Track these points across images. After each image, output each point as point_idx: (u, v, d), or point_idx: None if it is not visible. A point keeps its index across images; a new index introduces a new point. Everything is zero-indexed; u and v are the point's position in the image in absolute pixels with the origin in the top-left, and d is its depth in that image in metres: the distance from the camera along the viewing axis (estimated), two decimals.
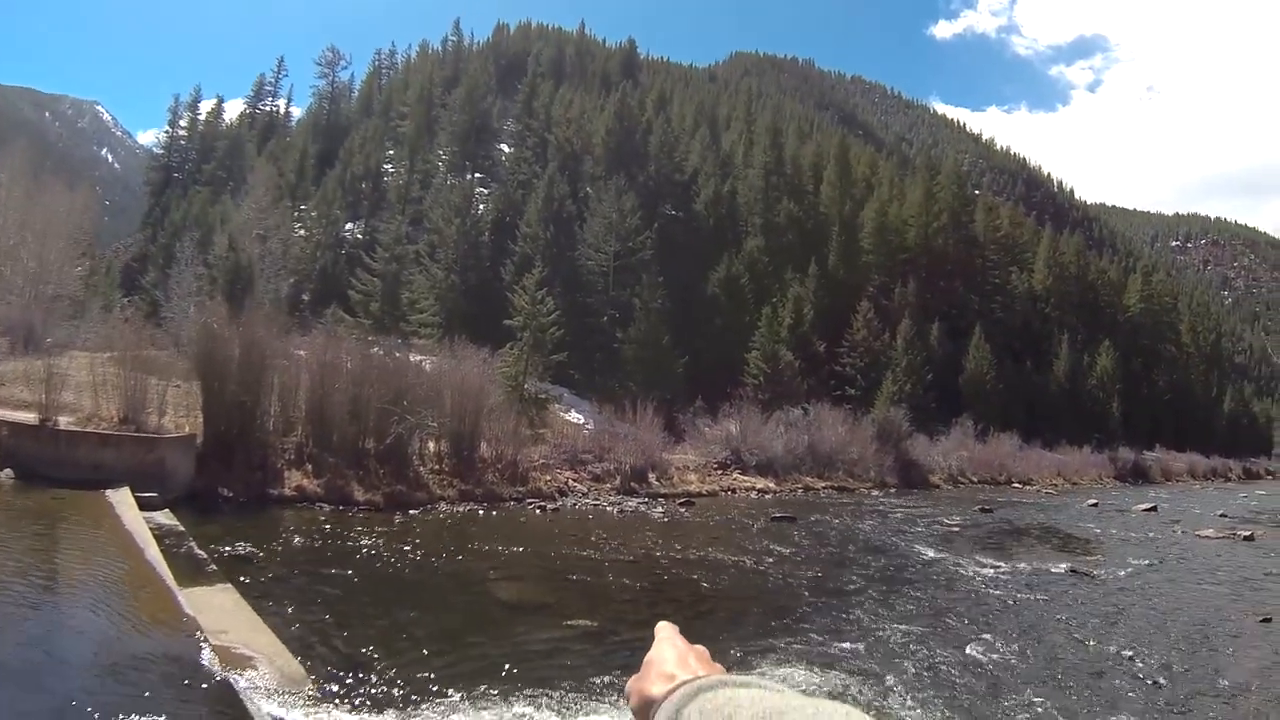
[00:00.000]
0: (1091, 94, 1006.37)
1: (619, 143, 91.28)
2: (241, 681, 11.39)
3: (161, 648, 12.47)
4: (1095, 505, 50.49)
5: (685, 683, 1.34)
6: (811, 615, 19.14)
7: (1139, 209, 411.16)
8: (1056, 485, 64.70)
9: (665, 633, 1.60)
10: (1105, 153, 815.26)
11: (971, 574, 25.71)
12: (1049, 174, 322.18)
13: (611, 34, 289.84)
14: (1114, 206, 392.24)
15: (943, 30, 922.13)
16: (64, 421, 27.17)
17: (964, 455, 61.27)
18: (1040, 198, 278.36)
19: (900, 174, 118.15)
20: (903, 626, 18.34)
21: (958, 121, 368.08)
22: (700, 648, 1.53)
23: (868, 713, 1.00)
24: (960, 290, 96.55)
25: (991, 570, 26.45)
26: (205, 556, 18.72)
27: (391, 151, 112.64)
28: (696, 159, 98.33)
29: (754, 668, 14.74)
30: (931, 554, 29.04)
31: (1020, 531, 37.64)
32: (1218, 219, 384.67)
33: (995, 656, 16.52)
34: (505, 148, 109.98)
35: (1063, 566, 27.77)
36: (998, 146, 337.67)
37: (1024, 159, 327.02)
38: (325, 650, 14.06)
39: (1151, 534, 39.00)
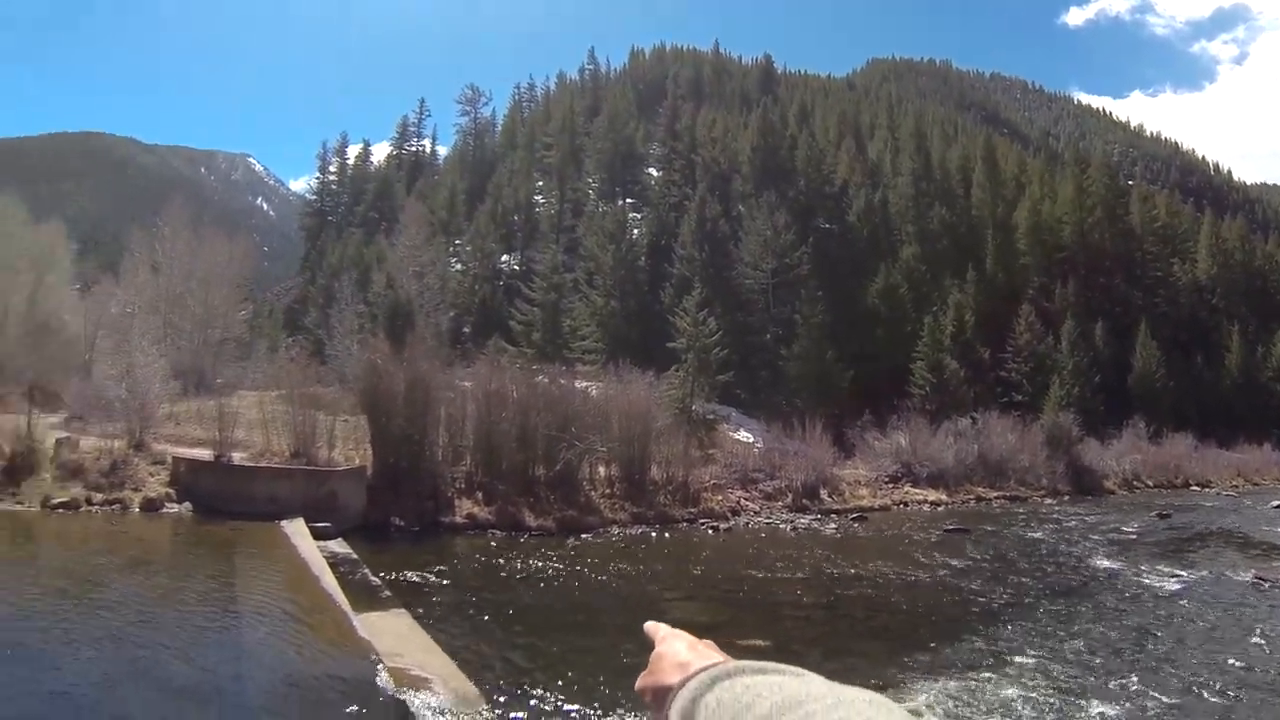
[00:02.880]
0: (1239, 67, 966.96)
1: (765, 159, 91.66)
2: (416, 702, 12.30)
3: (339, 670, 13.56)
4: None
5: (701, 670, 1.37)
6: (985, 630, 19.35)
7: None
8: (1237, 486, 62.72)
9: (665, 630, 1.66)
10: (1261, 128, 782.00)
11: (1150, 584, 25.46)
12: (1203, 156, 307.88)
13: (746, 50, 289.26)
14: (1277, 185, 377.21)
15: (1075, 18, 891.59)
16: (238, 457, 29.17)
17: (1137, 458, 59.95)
18: (1196, 182, 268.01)
19: (1049, 170, 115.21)
20: (1079, 642, 18.42)
21: (1102, 110, 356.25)
22: (709, 640, 1.58)
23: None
24: (1121, 286, 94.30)
25: (1171, 580, 26.13)
26: (379, 583, 19.86)
27: (540, 183, 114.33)
28: (844, 170, 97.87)
29: (925, 684, 15.16)
30: (1108, 564, 28.85)
31: (1200, 537, 37.02)
32: None
33: (1177, 673, 16.46)
34: (653, 171, 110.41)
35: (1247, 574, 27.22)
36: (1146, 132, 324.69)
37: (1175, 143, 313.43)
38: (499, 671, 14.78)
39: None
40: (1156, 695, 14.91)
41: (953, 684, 15.07)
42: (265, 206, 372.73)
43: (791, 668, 1.25)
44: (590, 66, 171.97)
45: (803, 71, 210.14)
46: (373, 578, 20.31)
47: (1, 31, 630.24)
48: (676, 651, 1.52)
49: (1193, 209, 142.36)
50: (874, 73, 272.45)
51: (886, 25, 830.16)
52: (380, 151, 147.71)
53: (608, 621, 18.80)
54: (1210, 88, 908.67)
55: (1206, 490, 59.27)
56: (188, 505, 25.93)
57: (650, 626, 1.67)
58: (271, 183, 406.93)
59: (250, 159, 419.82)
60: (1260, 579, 26.50)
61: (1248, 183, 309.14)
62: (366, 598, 17.96)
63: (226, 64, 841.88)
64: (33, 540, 22.92)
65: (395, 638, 14.93)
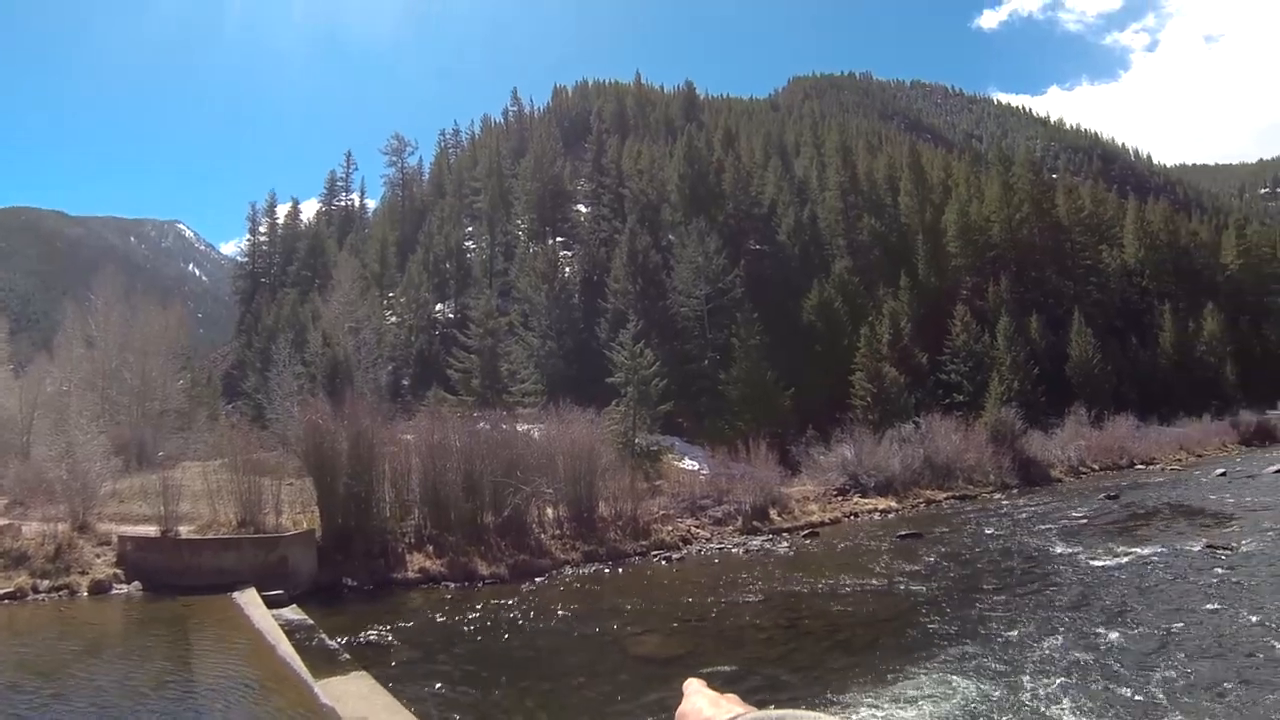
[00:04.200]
0: (1151, 54, 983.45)
1: (693, 186, 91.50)
2: None
3: None
4: (1224, 475, 50.10)
5: None
6: (948, 630, 19.67)
7: (1221, 163, 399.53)
8: (1180, 460, 63.74)
9: (694, 686, 1.68)
10: (1177, 111, 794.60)
11: (1105, 564, 26.06)
12: (1123, 144, 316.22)
13: (668, 79, 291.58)
14: (1195, 165, 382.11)
15: (988, 20, 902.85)
16: (184, 531, 28.64)
17: (1081, 444, 60.59)
18: (1119, 170, 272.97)
19: (975, 171, 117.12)
20: (1043, 630, 18.81)
21: (1022, 108, 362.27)
22: (732, 695, 1.62)
23: None
24: (1053, 278, 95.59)
25: (1126, 558, 26.80)
26: (337, 647, 19.70)
27: (470, 228, 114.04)
28: (772, 190, 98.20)
29: (892, 692, 15.31)
30: (1062, 549, 29.36)
31: (1150, 513, 37.61)
32: None
33: (1140, 647, 16.93)
34: (582, 208, 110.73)
35: (1199, 544, 27.90)
36: (1067, 126, 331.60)
37: (1095, 134, 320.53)
38: None
39: None
40: (1121, 675, 15.36)
41: (921, 688, 15.36)
42: (198, 272, 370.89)
43: (813, 714, 1.30)
44: (514, 107, 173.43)
45: (725, 95, 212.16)
46: (330, 642, 20.15)
47: None
48: (699, 709, 1.56)
49: (1117, 196, 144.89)
50: (796, 91, 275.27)
51: (806, 43, 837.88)
52: (310, 209, 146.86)
53: (569, 663, 18.88)
54: (1125, 76, 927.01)
55: (1151, 467, 60.42)
56: (137, 584, 25.41)
57: (686, 684, 1.70)
58: (203, 248, 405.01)
59: (180, 225, 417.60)
60: (1212, 546, 27.17)
61: (1168, 165, 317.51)
62: (325, 663, 17.83)
63: (151, 131, 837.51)
64: None
65: (358, 701, 14.89)
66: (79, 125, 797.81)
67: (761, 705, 1.44)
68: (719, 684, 1.60)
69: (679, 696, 1.60)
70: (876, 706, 14.53)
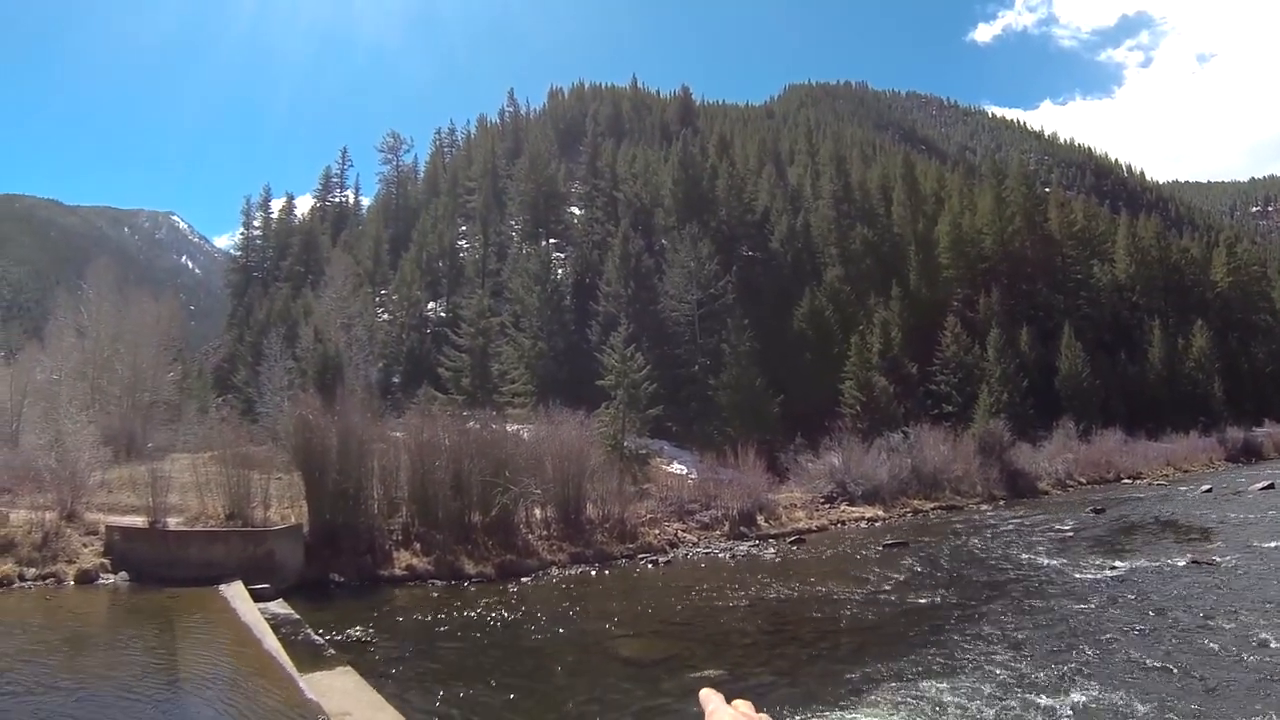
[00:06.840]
0: (1145, 71, 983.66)
1: (687, 191, 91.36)
2: None
3: None
4: (1209, 491, 50.09)
5: None
6: (933, 641, 19.54)
7: (1213, 180, 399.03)
8: (1167, 475, 63.75)
9: (714, 701, 1.69)
10: (1170, 128, 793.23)
11: (1091, 578, 25.96)
12: (1116, 160, 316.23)
13: (664, 84, 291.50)
14: (1187, 182, 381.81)
15: (983, 34, 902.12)
16: (172, 522, 28.35)
17: (1069, 457, 60.68)
18: (1111, 185, 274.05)
19: (968, 183, 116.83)
20: (1027, 643, 18.72)
21: (1017, 121, 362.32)
22: (746, 701, 1.67)
23: None
24: (1044, 291, 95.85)
25: (1111, 572, 26.73)
26: (323, 641, 19.57)
27: (464, 228, 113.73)
28: (766, 197, 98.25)
29: (880, 699, 15.33)
30: (1047, 562, 29.22)
31: (1135, 528, 37.58)
32: None
33: (1126, 662, 16.83)
34: (575, 210, 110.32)
35: (1183, 559, 27.85)
36: (1060, 140, 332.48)
37: (1089, 148, 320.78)
38: None
39: (1272, 513, 38.74)
40: (1107, 686, 15.34)
41: (907, 696, 15.31)
42: (191, 265, 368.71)
43: None
44: (510, 108, 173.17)
45: (721, 101, 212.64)
46: (315, 637, 20.02)
47: None
48: None
49: (1109, 211, 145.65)
50: (792, 98, 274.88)
51: (803, 51, 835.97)
52: (304, 204, 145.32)
53: (554, 663, 18.78)
54: (1119, 92, 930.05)
55: (1138, 482, 60.50)
56: (124, 575, 25.28)
57: (704, 695, 1.71)
58: (196, 240, 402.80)
59: (174, 217, 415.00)
60: (1196, 561, 27.19)
61: (1160, 181, 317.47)
62: (311, 658, 17.70)
63: (147, 121, 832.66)
64: None
65: (343, 696, 14.81)
66: (75, 114, 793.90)
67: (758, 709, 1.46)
68: (724, 690, 1.60)
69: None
70: (858, 714, 14.60)
